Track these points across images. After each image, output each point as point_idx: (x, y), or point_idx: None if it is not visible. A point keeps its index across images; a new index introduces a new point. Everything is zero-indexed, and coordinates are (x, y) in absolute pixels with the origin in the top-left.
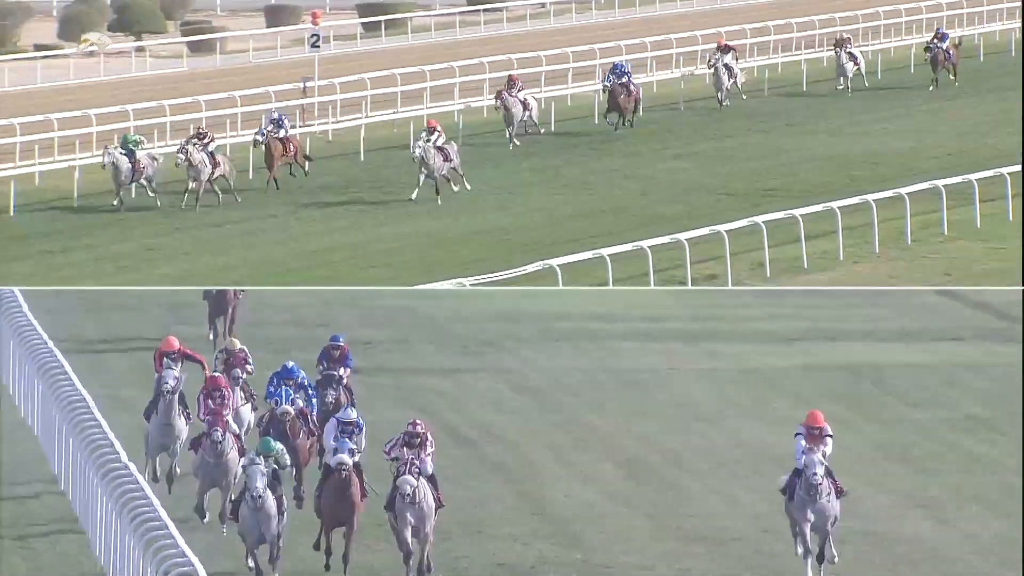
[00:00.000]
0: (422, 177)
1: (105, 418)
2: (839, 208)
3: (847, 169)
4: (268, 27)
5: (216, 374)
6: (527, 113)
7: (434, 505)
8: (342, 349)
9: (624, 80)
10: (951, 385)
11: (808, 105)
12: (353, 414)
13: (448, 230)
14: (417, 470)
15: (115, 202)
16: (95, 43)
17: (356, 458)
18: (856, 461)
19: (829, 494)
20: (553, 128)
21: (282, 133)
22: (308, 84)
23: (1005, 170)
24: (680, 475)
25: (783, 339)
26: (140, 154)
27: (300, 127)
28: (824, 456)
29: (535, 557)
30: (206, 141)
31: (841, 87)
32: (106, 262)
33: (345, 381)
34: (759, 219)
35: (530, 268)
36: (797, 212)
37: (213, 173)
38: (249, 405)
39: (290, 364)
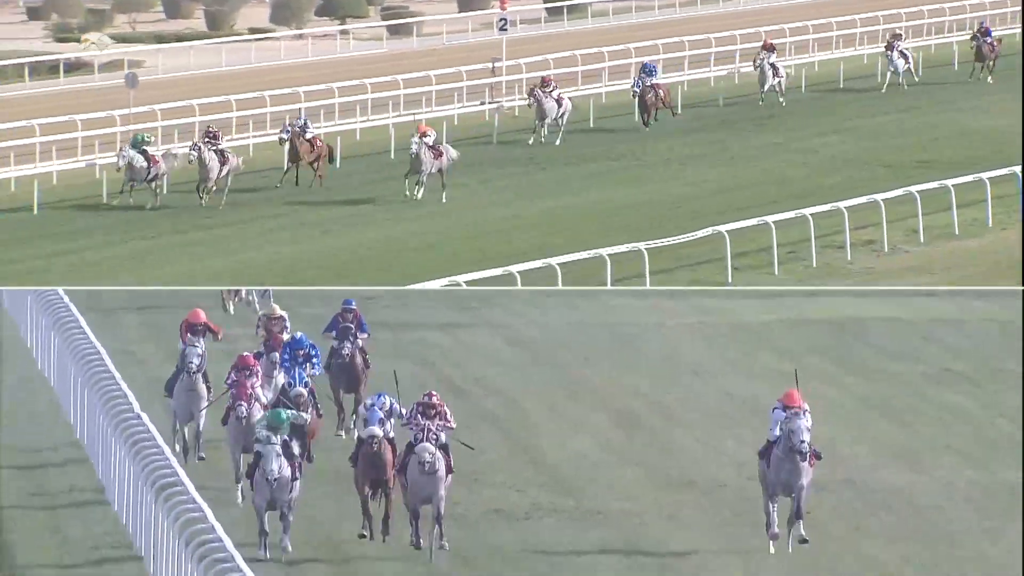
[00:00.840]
0: (409, 173)
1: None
2: (988, 179)
3: (994, 144)
4: (460, 12)
5: (247, 354)
6: (560, 112)
7: (446, 471)
8: (355, 312)
9: (652, 80)
10: (928, 340)
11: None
12: (387, 400)
13: (623, 199)
14: (435, 437)
15: (118, 199)
16: (95, 43)
17: (388, 429)
18: (838, 413)
19: (805, 460)
20: (721, 104)
21: (308, 135)
22: (496, 64)
23: None
24: (669, 426)
25: (769, 295)
26: (154, 152)
27: (489, 103)
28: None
29: (529, 504)
30: (216, 140)
31: (891, 82)
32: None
33: (361, 344)
34: (913, 189)
35: (700, 233)
36: (949, 182)
37: (222, 171)
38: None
39: (298, 334)
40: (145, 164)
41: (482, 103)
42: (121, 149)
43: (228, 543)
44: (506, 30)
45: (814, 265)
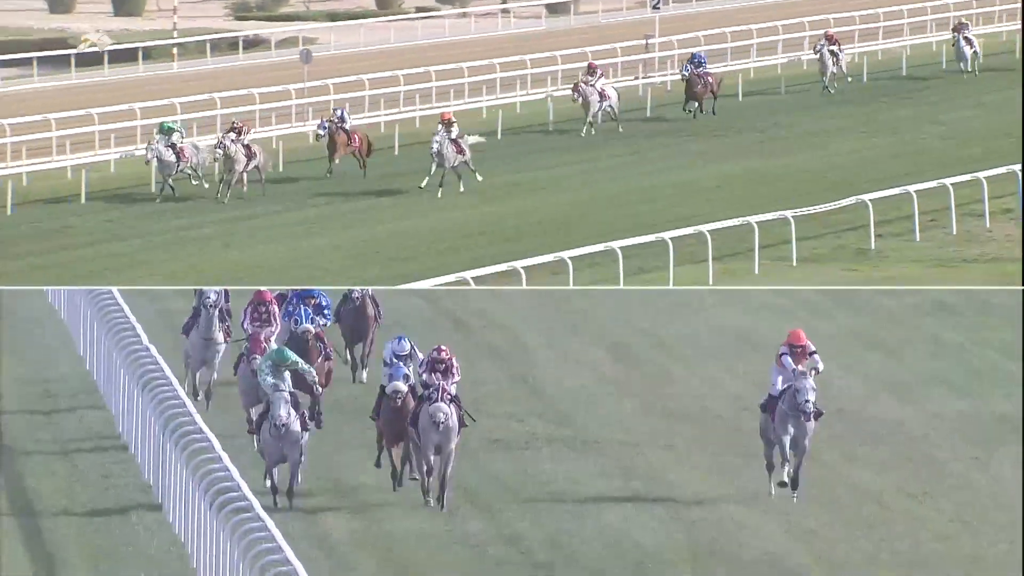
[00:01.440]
0: (434, 167)
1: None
2: None
3: None
4: None
5: (264, 288)
6: (606, 103)
7: (457, 425)
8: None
9: (701, 70)
10: None
11: None
12: (407, 344)
13: (767, 169)
14: (449, 397)
15: (157, 192)
16: (95, 43)
17: (411, 382)
18: (831, 346)
19: (809, 419)
20: (864, 79)
21: (346, 126)
22: (650, 41)
23: None
24: (665, 359)
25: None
26: (183, 142)
27: (642, 79)
28: (816, 375)
29: (528, 434)
30: (241, 134)
31: (961, 70)
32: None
33: (371, 290)
34: None
35: (844, 202)
36: None
37: (248, 165)
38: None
39: (313, 287)
40: (173, 158)
41: (635, 78)
42: (149, 144)
43: (248, 493)
44: (659, 8)
45: (953, 232)
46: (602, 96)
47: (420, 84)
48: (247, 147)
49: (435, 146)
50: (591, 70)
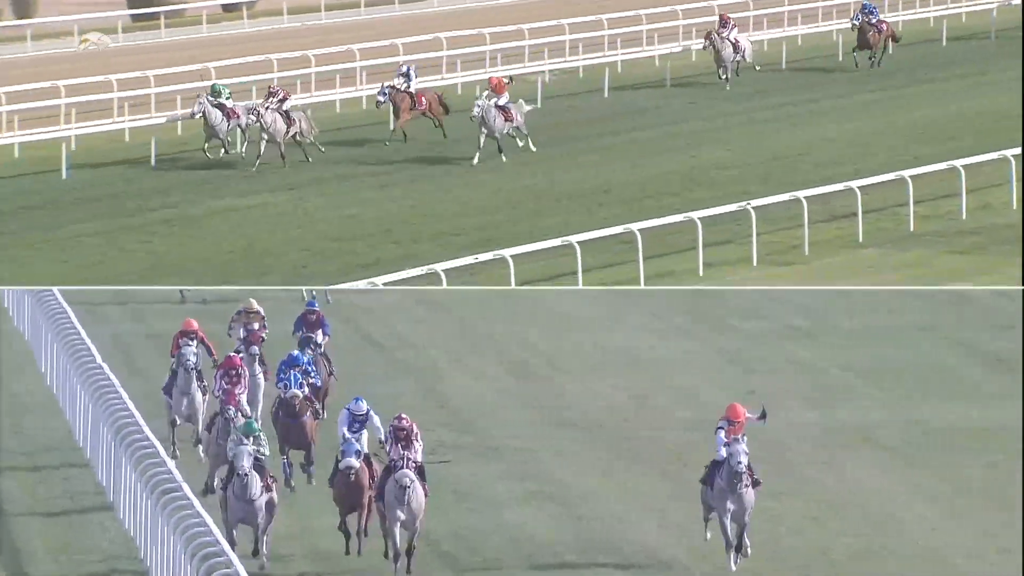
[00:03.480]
0: (482, 138)
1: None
2: None
3: None
4: None
5: (232, 354)
6: (739, 54)
7: (423, 499)
8: (318, 314)
9: (873, 19)
10: (775, 300)
11: None
12: (364, 405)
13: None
14: (413, 464)
15: (208, 152)
16: (95, 43)
17: (363, 452)
18: (698, 363)
19: (748, 485)
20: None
21: (411, 87)
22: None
23: None
24: (557, 374)
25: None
26: (233, 104)
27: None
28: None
29: (435, 441)
30: (280, 100)
31: None
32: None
33: (323, 348)
34: None
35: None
36: None
37: (288, 132)
38: (262, 375)
39: (295, 353)
40: (221, 117)
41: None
42: (199, 97)
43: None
44: None
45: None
46: (735, 47)
47: (554, 37)
48: (286, 114)
49: (476, 111)
50: (723, 22)
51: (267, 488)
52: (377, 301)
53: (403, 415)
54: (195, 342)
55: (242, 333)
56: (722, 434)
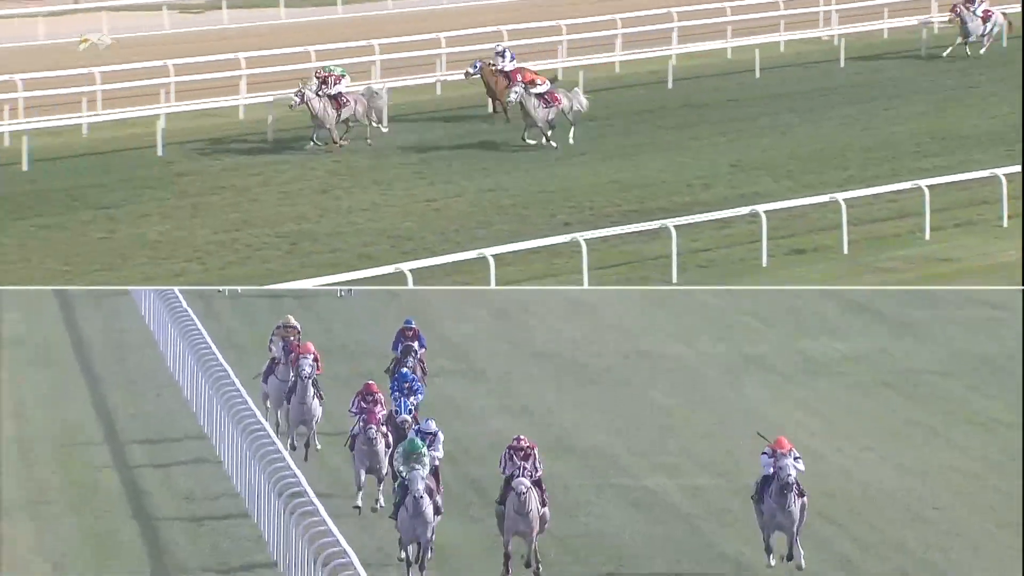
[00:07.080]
0: (527, 129)
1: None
2: None
3: None
4: None
5: (371, 381)
6: (987, 26)
7: (542, 514)
8: (415, 330)
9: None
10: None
11: None
12: (433, 425)
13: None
14: (530, 474)
15: (312, 142)
16: (95, 43)
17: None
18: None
19: (798, 495)
20: None
21: (507, 66)
22: None
23: None
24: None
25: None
26: (343, 90)
27: (920, 19)
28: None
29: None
30: (329, 85)
31: None
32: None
33: (420, 355)
34: None
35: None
36: None
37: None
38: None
39: (404, 370)
40: (320, 105)
41: (917, 20)
42: (301, 87)
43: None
44: None
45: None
46: (985, 18)
47: (629, 28)
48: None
49: (513, 96)
50: None
51: (436, 511)
52: (349, 303)
53: (522, 436)
54: (311, 356)
55: (281, 345)
56: (765, 458)
